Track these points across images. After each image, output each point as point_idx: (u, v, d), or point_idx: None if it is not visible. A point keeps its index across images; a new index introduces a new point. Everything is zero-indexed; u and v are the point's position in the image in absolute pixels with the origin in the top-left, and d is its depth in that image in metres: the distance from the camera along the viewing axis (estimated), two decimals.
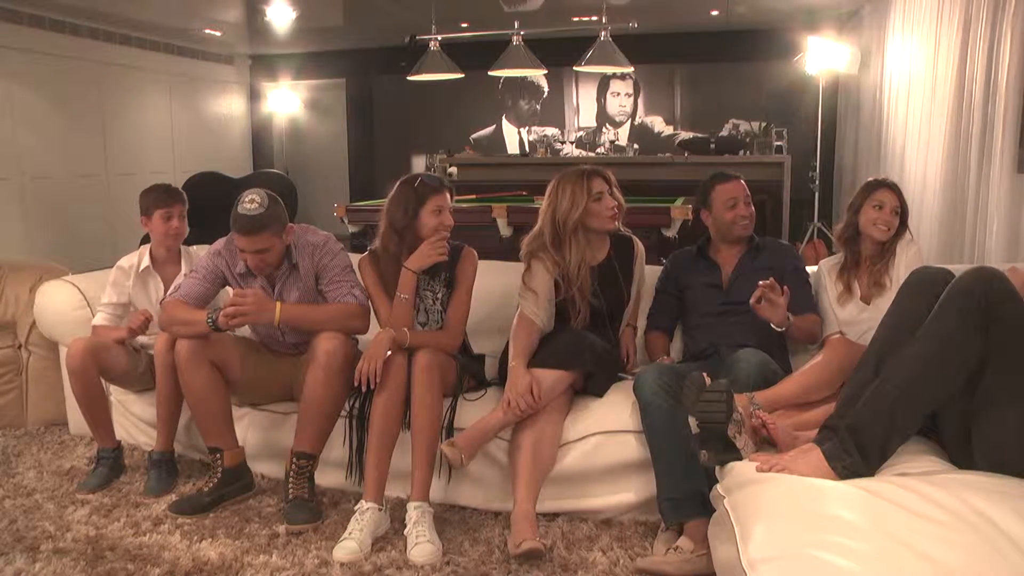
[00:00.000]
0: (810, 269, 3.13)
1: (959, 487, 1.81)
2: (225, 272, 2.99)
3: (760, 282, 2.71)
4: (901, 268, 2.79)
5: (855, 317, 2.85)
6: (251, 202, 2.81)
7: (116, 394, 3.43)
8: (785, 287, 2.75)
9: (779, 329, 2.78)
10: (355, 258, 3.05)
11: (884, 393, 1.98)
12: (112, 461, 3.14)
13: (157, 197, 3.34)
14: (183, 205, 3.39)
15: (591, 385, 2.82)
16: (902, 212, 2.89)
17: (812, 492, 1.87)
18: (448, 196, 2.92)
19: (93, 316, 3.36)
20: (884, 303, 2.57)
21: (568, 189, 2.93)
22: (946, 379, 1.95)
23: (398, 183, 2.94)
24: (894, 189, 2.91)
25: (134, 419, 3.47)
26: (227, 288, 3.07)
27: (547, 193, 3.00)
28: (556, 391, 2.72)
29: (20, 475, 3.23)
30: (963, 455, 2.01)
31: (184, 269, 3.34)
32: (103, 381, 3.17)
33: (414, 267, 2.86)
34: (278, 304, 2.81)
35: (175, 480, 3.15)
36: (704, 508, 2.40)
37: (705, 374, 2.34)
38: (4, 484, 3.14)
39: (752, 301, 2.72)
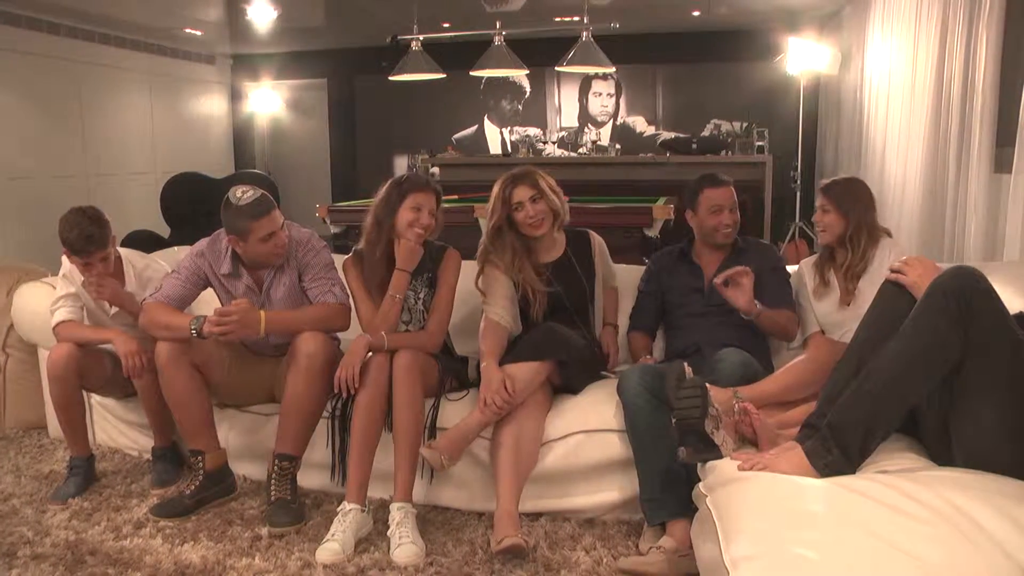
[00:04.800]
0: (791, 268, 3.14)
1: (938, 484, 1.83)
2: (208, 273, 2.97)
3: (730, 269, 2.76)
4: (884, 271, 2.77)
5: (833, 318, 2.86)
6: (244, 193, 2.82)
7: (97, 397, 3.40)
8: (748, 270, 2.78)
9: (746, 317, 2.80)
10: (338, 259, 3.05)
11: (865, 391, 1.99)
12: (85, 470, 3.10)
13: (71, 245, 2.98)
14: (102, 248, 2.99)
15: (566, 378, 2.83)
16: (844, 210, 2.85)
17: (794, 490, 1.88)
18: (433, 197, 2.93)
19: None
20: (861, 306, 2.58)
21: (494, 195, 3.00)
22: (926, 377, 1.97)
23: (390, 181, 2.98)
24: (823, 192, 2.92)
25: (115, 422, 3.45)
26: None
27: None
28: (532, 385, 2.72)
29: None
30: (942, 452, 2.03)
31: (130, 282, 3.17)
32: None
33: (405, 266, 2.87)
34: (262, 314, 2.79)
35: (180, 471, 3.15)
36: (686, 508, 2.41)
37: (686, 364, 2.36)
38: None
39: (718, 281, 2.77)
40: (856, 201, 2.89)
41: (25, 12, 7.00)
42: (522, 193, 2.96)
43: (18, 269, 4.01)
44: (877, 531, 1.67)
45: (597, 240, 3.18)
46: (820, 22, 8.02)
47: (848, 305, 2.83)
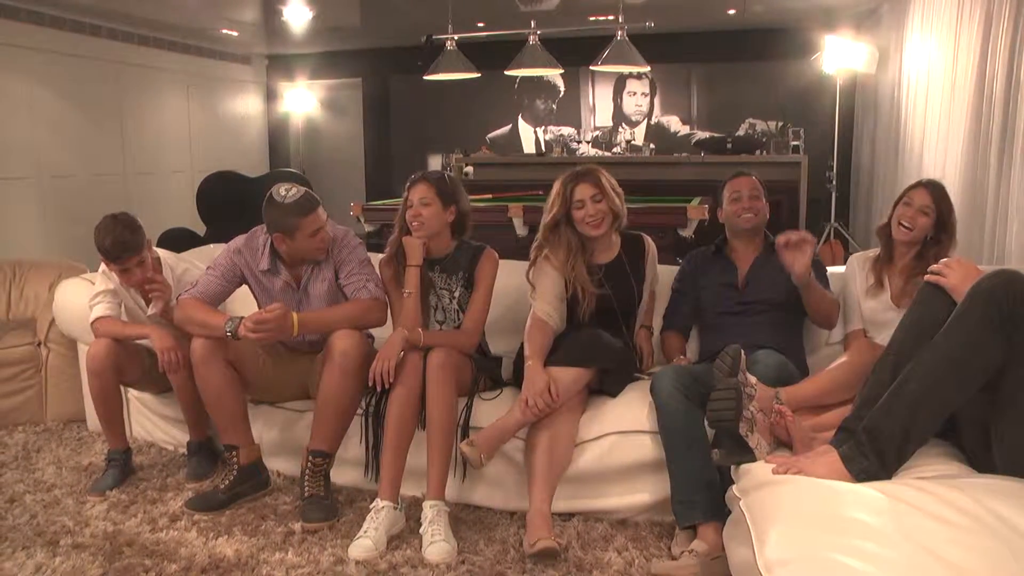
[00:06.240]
0: (831, 269, 3.10)
1: (978, 490, 1.80)
2: (244, 271, 3.00)
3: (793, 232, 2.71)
4: None
5: (882, 316, 2.80)
6: (287, 191, 2.85)
7: (134, 391, 3.45)
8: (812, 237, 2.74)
9: (799, 282, 2.76)
10: (373, 257, 3.08)
11: (902, 395, 1.96)
12: (122, 463, 3.15)
13: (106, 252, 3.02)
14: (137, 253, 3.03)
15: (606, 384, 2.82)
16: (940, 217, 2.77)
17: (829, 494, 1.86)
18: (424, 187, 2.93)
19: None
20: None
21: (554, 191, 2.96)
22: (966, 382, 1.93)
23: None
24: (930, 188, 2.81)
25: (152, 416, 3.50)
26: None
27: None
28: (573, 390, 2.72)
29: (40, 471, 3.26)
30: (983, 458, 1.99)
31: (168, 281, 3.17)
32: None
33: (410, 262, 2.91)
34: (294, 315, 2.80)
35: (215, 465, 3.19)
36: (718, 511, 2.40)
37: (743, 351, 2.34)
38: (24, 479, 3.17)
39: (779, 241, 2.71)
40: (952, 216, 2.81)
41: (68, 15, 7.14)
42: (584, 191, 2.92)
43: (59, 265, 4.09)
44: (913, 537, 1.64)
45: (651, 245, 3.15)
46: (857, 20, 7.92)
47: (898, 306, 2.76)
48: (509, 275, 3.04)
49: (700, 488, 2.48)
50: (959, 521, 1.69)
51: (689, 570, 2.35)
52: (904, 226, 2.79)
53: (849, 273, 2.97)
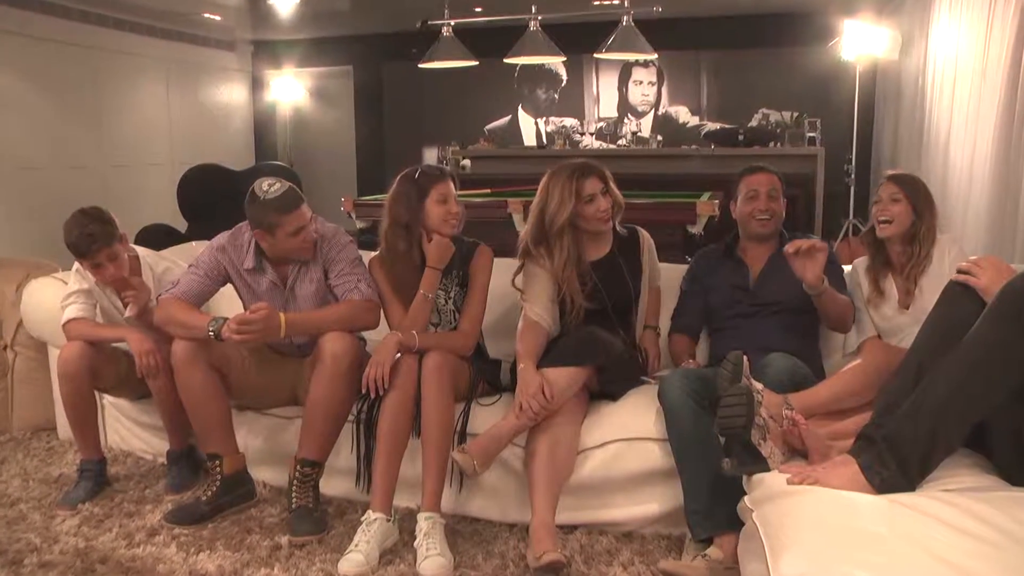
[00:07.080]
0: (845, 268, 3.10)
1: (1009, 504, 1.78)
2: (228, 269, 2.99)
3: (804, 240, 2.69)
4: (944, 274, 2.67)
5: (891, 323, 2.82)
6: (270, 186, 2.85)
7: (109, 397, 3.44)
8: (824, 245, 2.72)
9: (812, 291, 2.75)
10: (364, 255, 3.07)
11: (926, 400, 1.95)
12: (96, 474, 3.12)
13: (74, 247, 3.00)
14: (107, 245, 3.01)
15: (606, 385, 2.82)
16: (914, 203, 2.82)
17: (847, 506, 1.85)
18: (452, 184, 2.94)
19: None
20: (920, 309, 2.54)
21: (557, 189, 2.92)
22: (993, 388, 1.92)
23: (398, 178, 2.96)
24: (892, 179, 2.89)
25: (128, 423, 3.49)
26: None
27: (538, 190, 2.99)
28: (570, 391, 2.72)
29: (4, 483, 3.24)
30: (1014, 469, 1.98)
31: (148, 281, 3.18)
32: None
33: (439, 264, 2.89)
34: (281, 316, 2.80)
35: (197, 476, 3.19)
36: (736, 521, 2.39)
37: (746, 356, 2.33)
38: None
39: (788, 250, 2.70)
40: (927, 198, 2.86)
41: None
42: (594, 185, 2.92)
43: (28, 264, 4.06)
44: (939, 553, 1.63)
45: (646, 238, 3.15)
46: (879, 3, 7.91)
47: (907, 308, 2.79)
48: (508, 275, 3.03)
49: (716, 497, 2.46)
50: (988, 536, 1.68)
51: (698, 572, 2.36)
52: (882, 221, 2.84)
53: (854, 279, 2.99)
